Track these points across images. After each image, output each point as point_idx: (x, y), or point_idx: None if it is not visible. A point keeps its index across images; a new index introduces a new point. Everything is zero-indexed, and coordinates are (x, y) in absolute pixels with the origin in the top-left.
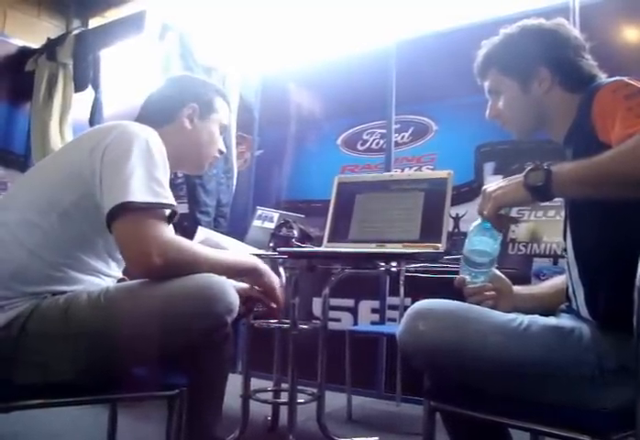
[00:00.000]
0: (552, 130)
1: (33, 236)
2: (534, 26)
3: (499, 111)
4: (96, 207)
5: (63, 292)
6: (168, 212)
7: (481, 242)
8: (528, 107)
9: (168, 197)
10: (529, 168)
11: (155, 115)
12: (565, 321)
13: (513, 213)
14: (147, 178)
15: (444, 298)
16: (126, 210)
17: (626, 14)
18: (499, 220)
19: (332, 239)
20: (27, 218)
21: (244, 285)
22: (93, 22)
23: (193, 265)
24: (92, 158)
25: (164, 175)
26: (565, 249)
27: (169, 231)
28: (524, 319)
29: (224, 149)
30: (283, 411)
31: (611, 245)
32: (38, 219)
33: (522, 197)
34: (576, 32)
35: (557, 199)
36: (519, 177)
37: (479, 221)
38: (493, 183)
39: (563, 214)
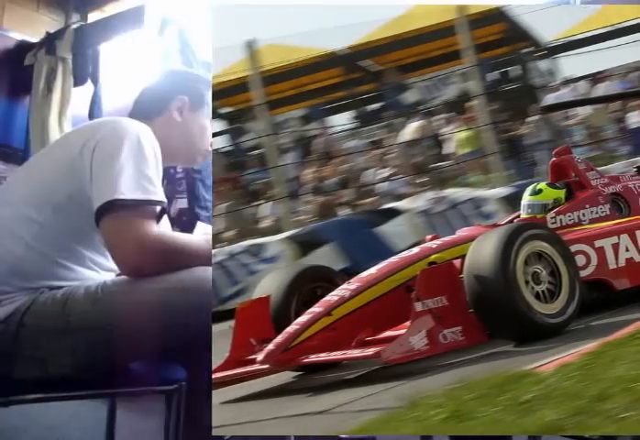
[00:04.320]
0: None
1: (29, 230)
2: None
3: None
4: (90, 201)
5: (60, 287)
6: (159, 208)
7: None
8: None
9: (158, 194)
10: None
11: (146, 107)
12: None
13: None
14: (137, 175)
15: None
16: (114, 207)
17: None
18: None
19: None
20: (23, 212)
21: None
22: (93, 16)
23: (180, 263)
24: (83, 154)
25: (155, 171)
26: None
27: (156, 229)
28: None
29: None
30: None
31: None
32: (34, 213)
33: None
34: None
35: None
36: None
37: None
38: None
39: None
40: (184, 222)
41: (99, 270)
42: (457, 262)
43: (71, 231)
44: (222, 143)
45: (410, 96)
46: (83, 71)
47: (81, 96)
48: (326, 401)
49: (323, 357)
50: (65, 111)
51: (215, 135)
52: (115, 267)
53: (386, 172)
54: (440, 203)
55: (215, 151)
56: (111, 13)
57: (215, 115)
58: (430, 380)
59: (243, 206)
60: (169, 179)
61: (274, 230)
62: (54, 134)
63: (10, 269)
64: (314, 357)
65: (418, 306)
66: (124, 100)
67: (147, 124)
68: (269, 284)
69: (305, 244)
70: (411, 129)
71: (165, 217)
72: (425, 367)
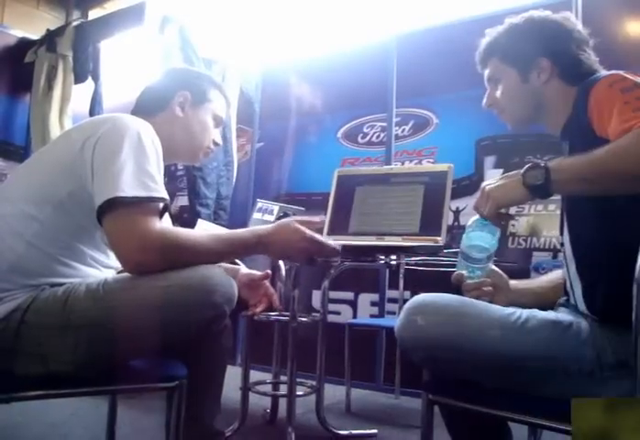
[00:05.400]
0: (549, 122)
1: (30, 227)
2: (539, 17)
3: (495, 99)
4: (91, 199)
5: (62, 284)
6: (161, 205)
7: (479, 237)
8: (525, 97)
9: (160, 191)
10: (527, 166)
11: (148, 104)
12: (563, 315)
13: (512, 208)
14: (138, 172)
15: (443, 292)
16: (115, 205)
17: (628, 8)
18: (498, 218)
19: (331, 232)
20: (24, 210)
21: (253, 271)
22: (93, 13)
23: (185, 260)
24: (84, 151)
25: (157, 168)
26: (562, 244)
27: (159, 225)
28: (523, 313)
29: (219, 141)
30: (282, 403)
31: (608, 240)
32: (35, 211)
33: (521, 196)
34: (580, 26)
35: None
36: (517, 175)
37: (476, 216)
38: (492, 181)
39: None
40: (185, 219)
41: (100, 268)
42: None
43: (72, 228)
44: None
45: None
46: (84, 68)
47: (81, 93)
48: None
49: None
50: (66, 108)
51: None
52: (116, 264)
53: None
54: None
55: None
56: (112, 10)
57: None
58: None
59: None
60: (169, 176)
61: None
62: (55, 131)
63: (11, 266)
64: None
65: None
66: (124, 97)
67: (149, 120)
68: None
69: None
70: None
71: (167, 214)
72: None
